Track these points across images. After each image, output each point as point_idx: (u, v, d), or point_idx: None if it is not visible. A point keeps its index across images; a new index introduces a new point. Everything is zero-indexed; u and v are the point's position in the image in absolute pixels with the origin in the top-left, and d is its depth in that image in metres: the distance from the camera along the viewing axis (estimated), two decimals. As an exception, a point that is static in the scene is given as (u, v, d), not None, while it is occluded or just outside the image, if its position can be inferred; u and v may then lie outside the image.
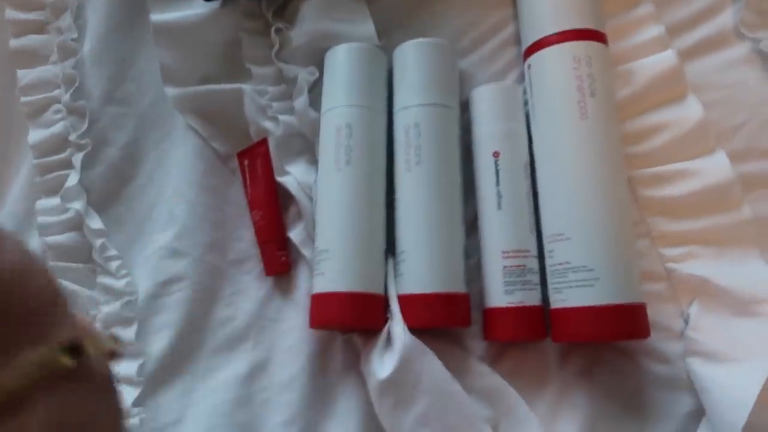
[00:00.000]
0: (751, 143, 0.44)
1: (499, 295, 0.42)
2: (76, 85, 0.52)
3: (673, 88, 0.45)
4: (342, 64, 0.46)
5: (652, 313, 0.41)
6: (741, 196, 0.43)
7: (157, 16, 0.50)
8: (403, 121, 0.45)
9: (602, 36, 0.44)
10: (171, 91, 0.51)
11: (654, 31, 0.46)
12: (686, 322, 0.42)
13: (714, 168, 0.43)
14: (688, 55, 0.46)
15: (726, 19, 0.47)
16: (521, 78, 0.47)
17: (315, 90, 0.49)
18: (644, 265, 0.43)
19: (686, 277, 0.42)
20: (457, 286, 0.42)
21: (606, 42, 0.44)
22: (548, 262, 0.42)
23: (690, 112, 0.44)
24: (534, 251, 0.43)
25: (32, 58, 0.54)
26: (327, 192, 0.44)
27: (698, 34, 0.47)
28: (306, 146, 0.49)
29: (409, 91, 0.45)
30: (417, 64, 0.45)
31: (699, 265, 0.42)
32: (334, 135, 0.44)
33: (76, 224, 0.52)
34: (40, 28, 0.55)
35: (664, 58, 0.45)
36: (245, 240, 0.50)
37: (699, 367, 0.40)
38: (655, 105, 0.45)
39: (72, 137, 0.52)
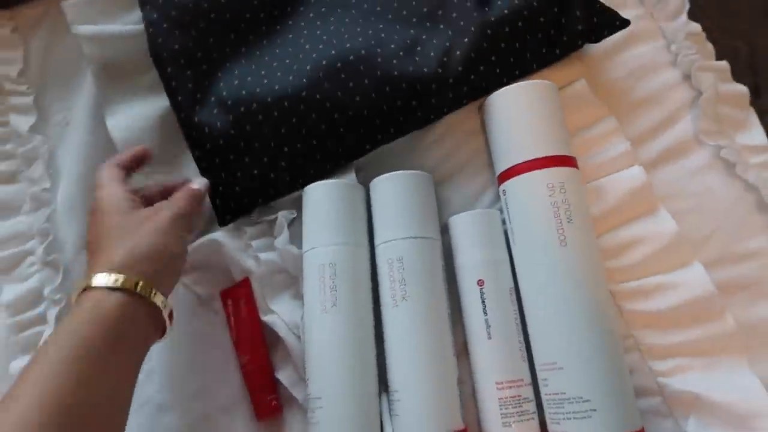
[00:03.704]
0: (724, 250, 0.46)
1: (497, 427, 0.41)
2: (50, 239, 0.51)
3: (644, 203, 0.46)
4: (321, 203, 0.46)
5: (650, 431, 0.41)
6: (722, 306, 0.43)
7: None
8: (385, 255, 0.45)
9: (572, 160, 0.45)
10: None
11: (620, 146, 0.47)
12: (685, 439, 0.42)
13: (692, 280, 0.44)
14: (653, 164, 0.48)
15: (685, 127, 0.49)
16: (497, 196, 0.47)
17: (295, 224, 0.49)
18: (636, 379, 0.43)
19: (678, 393, 0.42)
20: (455, 424, 0.41)
21: (576, 165, 0.45)
22: (543, 390, 0.42)
23: (663, 226, 0.45)
24: (528, 378, 0.43)
25: (4, 209, 0.53)
26: (315, 336, 0.43)
27: (661, 143, 0.49)
28: (289, 281, 0.48)
29: (389, 224, 0.45)
30: (395, 196, 0.46)
31: (689, 379, 0.42)
32: (318, 274, 0.44)
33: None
34: (11, 178, 0.54)
35: (633, 175, 0.46)
36: (234, 384, 0.48)
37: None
38: (628, 219, 0.46)
39: (47, 291, 0.51)
